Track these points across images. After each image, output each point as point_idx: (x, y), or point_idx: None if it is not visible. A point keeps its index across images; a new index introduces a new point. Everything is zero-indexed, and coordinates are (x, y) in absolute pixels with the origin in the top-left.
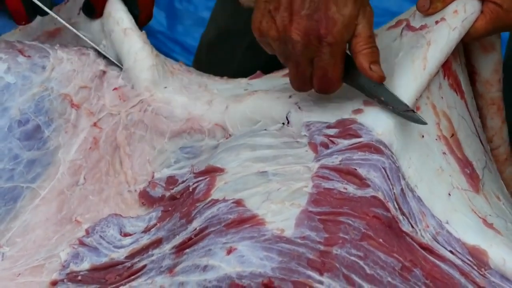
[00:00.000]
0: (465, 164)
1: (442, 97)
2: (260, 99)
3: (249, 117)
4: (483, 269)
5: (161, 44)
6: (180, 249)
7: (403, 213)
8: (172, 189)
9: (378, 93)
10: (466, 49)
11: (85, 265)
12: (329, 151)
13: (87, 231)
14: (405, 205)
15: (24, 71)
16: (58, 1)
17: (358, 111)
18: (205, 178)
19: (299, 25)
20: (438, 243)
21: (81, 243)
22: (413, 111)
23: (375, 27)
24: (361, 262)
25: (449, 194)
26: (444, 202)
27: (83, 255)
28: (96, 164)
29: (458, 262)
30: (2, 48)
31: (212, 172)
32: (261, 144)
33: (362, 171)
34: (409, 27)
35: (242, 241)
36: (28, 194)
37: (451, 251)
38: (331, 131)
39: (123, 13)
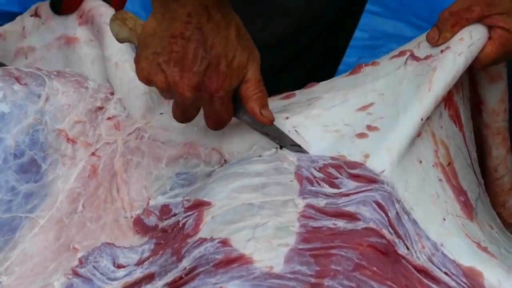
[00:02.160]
0: (459, 192)
1: (441, 126)
2: None
3: (245, 139)
4: None
5: None
6: (172, 287)
7: (399, 236)
8: (165, 219)
9: (264, 129)
10: (472, 80)
11: None
12: (313, 188)
13: (80, 261)
14: (401, 227)
15: (20, 100)
16: None
17: (361, 135)
18: (193, 213)
19: (190, 82)
20: (433, 264)
21: (75, 274)
22: (299, 146)
23: (373, 49)
24: None
25: (444, 219)
26: (439, 226)
27: (77, 286)
28: (94, 191)
29: (453, 284)
30: None
31: (200, 206)
32: (250, 172)
33: (350, 208)
34: (413, 57)
35: (232, 281)
36: (27, 223)
37: (445, 273)
38: (317, 174)
39: (114, 49)
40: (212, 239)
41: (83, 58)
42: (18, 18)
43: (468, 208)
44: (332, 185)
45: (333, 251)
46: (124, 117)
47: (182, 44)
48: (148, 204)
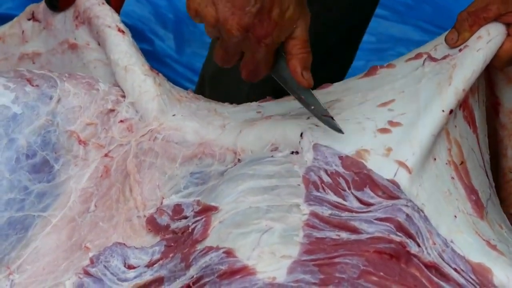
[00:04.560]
0: (471, 191)
1: (456, 126)
2: (276, 120)
3: (262, 138)
4: None
5: (169, 69)
6: None
7: (409, 236)
8: (176, 220)
9: (300, 92)
10: (490, 81)
11: None
12: (318, 194)
13: (91, 260)
14: (412, 226)
15: (32, 101)
16: None
17: (383, 130)
18: (202, 218)
19: (240, 21)
20: (443, 260)
21: (86, 273)
22: (332, 118)
23: (380, 52)
24: None
25: (455, 216)
26: (450, 223)
27: (88, 286)
28: (107, 191)
29: (462, 281)
30: (11, 77)
31: (208, 211)
32: (259, 174)
33: (354, 223)
34: (431, 58)
35: None
36: (39, 222)
37: (455, 269)
38: (326, 178)
39: (121, 53)
40: (217, 248)
41: (86, 64)
42: (15, 20)
43: (479, 207)
44: (337, 193)
45: (337, 260)
46: (137, 120)
47: None
48: (162, 203)
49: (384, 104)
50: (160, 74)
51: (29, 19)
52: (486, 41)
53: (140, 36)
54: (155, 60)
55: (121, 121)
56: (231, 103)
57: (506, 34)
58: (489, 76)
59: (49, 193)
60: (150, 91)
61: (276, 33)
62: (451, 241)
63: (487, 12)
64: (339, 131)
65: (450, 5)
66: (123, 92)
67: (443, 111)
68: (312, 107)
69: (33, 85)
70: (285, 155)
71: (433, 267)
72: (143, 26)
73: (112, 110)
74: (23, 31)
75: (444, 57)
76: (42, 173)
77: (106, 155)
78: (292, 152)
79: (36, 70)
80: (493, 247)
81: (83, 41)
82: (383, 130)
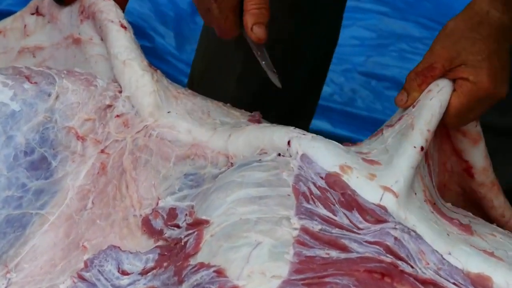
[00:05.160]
0: (451, 220)
1: (425, 176)
2: (264, 127)
3: (251, 144)
4: None
5: (169, 65)
6: None
7: (400, 258)
8: (170, 227)
9: (256, 48)
10: (455, 150)
11: None
12: (309, 206)
13: (86, 264)
14: (402, 249)
15: (30, 98)
16: None
17: (367, 160)
18: (194, 232)
19: None
20: (441, 277)
21: (80, 277)
22: (275, 72)
23: (381, 48)
24: None
25: (448, 234)
26: (444, 239)
27: None
28: (103, 188)
29: None
30: (9, 74)
31: (200, 225)
32: (247, 182)
33: (344, 241)
34: (388, 126)
35: None
36: (37, 220)
37: (454, 283)
38: (315, 191)
39: (121, 47)
40: (208, 266)
41: (88, 59)
42: (17, 14)
43: (465, 227)
44: (327, 207)
45: (327, 280)
46: (133, 114)
47: None
48: (157, 204)
49: (360, 154)
50: (158, 71)
51: (32, 14)
52: (436, 91)
53: (140, 33)
54: (155, 56)
55: (117, 115)
56: (219, 100)
57: (452, 89)
58: (453, 146)
59: (46, 190)
60: (147, 86)
61: None
62: (449, 253)
63: (433, 71)
64: (279, 85)
65: (451, 1)
66: (121, 87)
67: (414, 147)
68: (263, 62)
69: (31, 82)
70: (272, 158)
71: (430, 283)
72: (143, 24)
73: (109, 106)
74: (25, 25)
75: (400, 119)
76: (40, 170)
77: (102, 151)
78: (279, 154)
79: (36, 64)
80: (491, 254)
81: (87, 36)
82: (367, 160)
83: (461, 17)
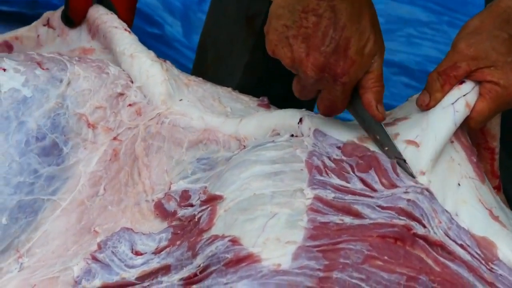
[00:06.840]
0: (471, 152)
1: None
2: (274, 110)
3: (262, 126)
4: (490, 263)
5: (178, 53)
6: (187, 283)
7: (414, 219)
8: (183, 207)
9: (375, 131)
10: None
11: (97, 283)
12: (322, 178)
13: (99, 245)
14: (416, 210)
15: (41, 84)
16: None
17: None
18: (207, 207)
19: (315, 61)
20: (449, 238)
21: (94, 259)
22: (404, 160)
23: (389, 33)
24: (363, 284)
25: (459, 184)
26: (454, 193)
27: (95, 272)
28: (115, 175)
29: (467, 257)
30: (21, 60)
31: (213, 200)
32: (262, 160)
33: (357, 207)
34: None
35: (241, 281)
36: (49, 206)
37: (461, 245)
38: (329, 163)
39: (127, 44)
40: (223, 237)
41: None
42: (33, 24)
43: (480, 169)
44: (341, 176)
45: (341, 246)
46: (145, 103)
47: (312, 21)
48: (170, 188)
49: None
50: (167, 61)
51: (44, 25)
52: (456, 97)
53: (149, 20)
54: (165, 44)
55: (130, 104)
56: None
57: (478, 91)
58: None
59: (58, 176)
60: (157, 75)
61: (353, 71)
62: (456, 214)
63: (457, 70)
64: (411, 175)
65: None
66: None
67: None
68: (386, 148)
69: (43, 68)
70: (286, 139)
71: (439, 246)
72: (151, 12)
73: (121, 94)
74: (38, 35)
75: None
76: (52, 156)
77: (115, 139)
78: (292, 135)
79: None
80: (496, 218)
81: (101, 46)
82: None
83: (487, 14)
